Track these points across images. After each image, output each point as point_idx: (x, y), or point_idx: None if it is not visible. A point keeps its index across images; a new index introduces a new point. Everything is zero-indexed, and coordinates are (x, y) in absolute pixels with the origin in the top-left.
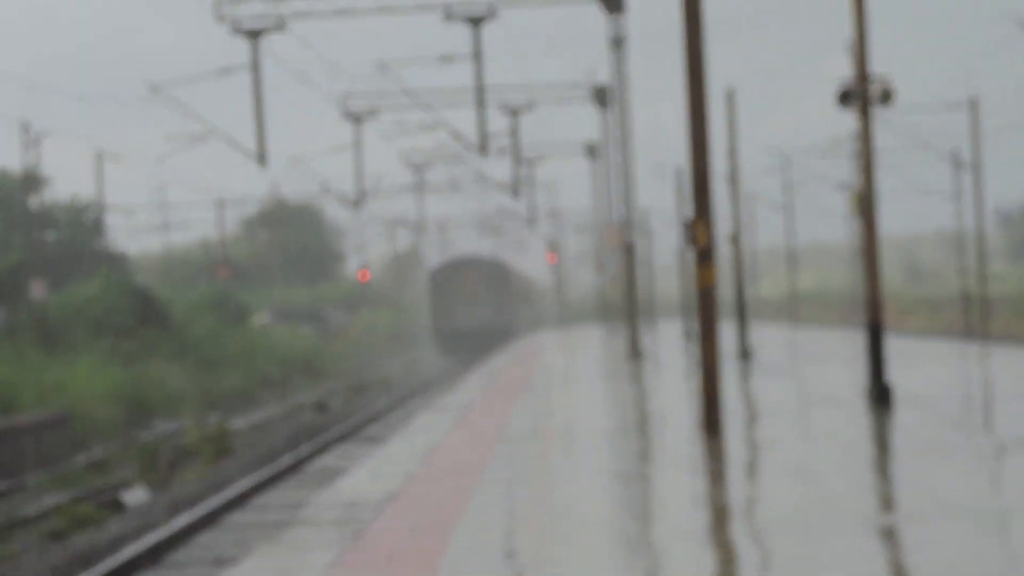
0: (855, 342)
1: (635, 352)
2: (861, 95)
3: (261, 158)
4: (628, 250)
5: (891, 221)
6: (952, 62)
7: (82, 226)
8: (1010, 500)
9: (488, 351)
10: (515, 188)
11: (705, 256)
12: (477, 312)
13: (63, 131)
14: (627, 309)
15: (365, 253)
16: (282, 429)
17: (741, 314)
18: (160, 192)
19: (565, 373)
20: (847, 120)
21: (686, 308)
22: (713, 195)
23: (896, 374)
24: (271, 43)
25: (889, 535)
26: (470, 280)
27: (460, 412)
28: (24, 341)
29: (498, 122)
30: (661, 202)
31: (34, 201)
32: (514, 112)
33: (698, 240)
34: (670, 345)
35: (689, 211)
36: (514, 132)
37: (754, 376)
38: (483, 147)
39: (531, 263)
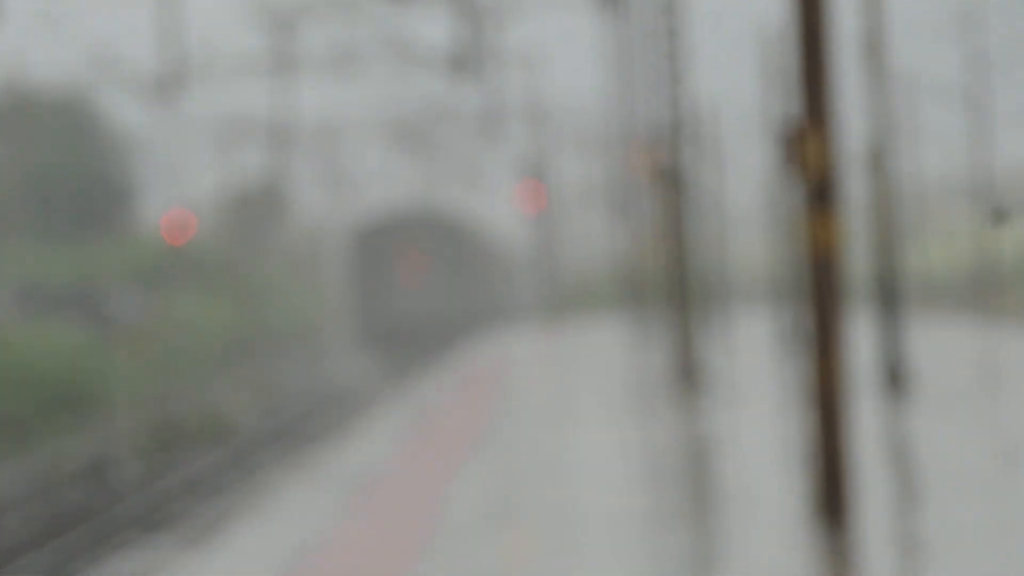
0: None
1: (687, 369)
2: None
3: None
4: (673, 181)
5: None
6: None
7: None
8: None
9: (441, 355)
10: (463, 64)
11: (822, 194)
12: (427, 299)
13: None
14: (672, 289)
15: (180, 186)
16: (22, 511)
17: (889, 301)
18: None
19: (554, 407)
20: None
21: (783, 288)
22: (836, 80)
23: None
24: None
25: None
26: (414, 251)
27: (360, 481)
28: None
29: None
30: (736, 93)
31: None
32: None
33: (808, 164)
34: (754, 355)
35: (791, 109)
36: None
37: (913, 416)
38: None
39: (488, 206)
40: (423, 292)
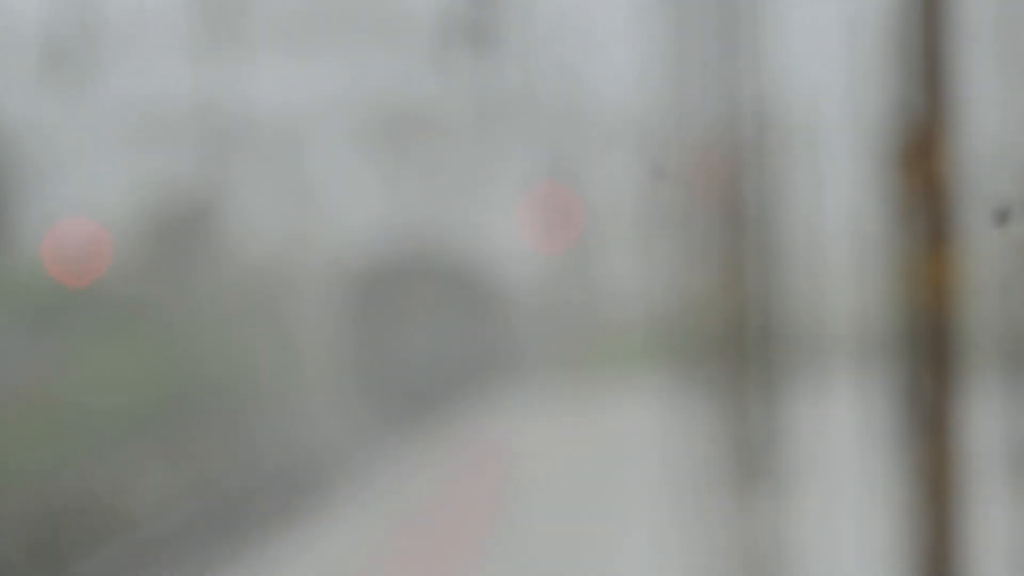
0: None
1: (752, 450)
2: None
3: None
4: (731, 198)
5: None
6: None
7: None
8: None
9: (435, 423)
10: (469, 32)
11: (942, 221)
12: (422, 358)
13: None
14: (734, 344)
15: (77, 199)
16: None
17: (1021, 363)
18: None
19: (568, 503)
20: None
21: (880, 345)
22: (962, 65)
23: None
24: None
25: None
26: (419, 305)
27: None
28: None
29: None
30: (816, 79)
31: None
32: None
33: (927, 180)
34: (843, 432)
35: (900, 103)
36: None
37: None
38: None
39: (492, 229)
40: (417, 349)
